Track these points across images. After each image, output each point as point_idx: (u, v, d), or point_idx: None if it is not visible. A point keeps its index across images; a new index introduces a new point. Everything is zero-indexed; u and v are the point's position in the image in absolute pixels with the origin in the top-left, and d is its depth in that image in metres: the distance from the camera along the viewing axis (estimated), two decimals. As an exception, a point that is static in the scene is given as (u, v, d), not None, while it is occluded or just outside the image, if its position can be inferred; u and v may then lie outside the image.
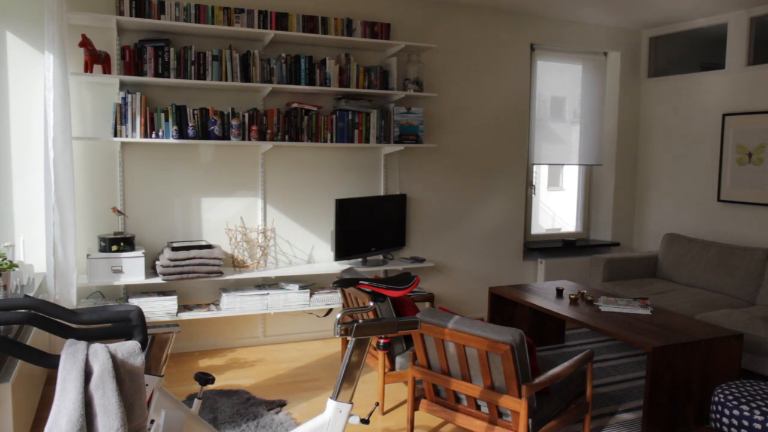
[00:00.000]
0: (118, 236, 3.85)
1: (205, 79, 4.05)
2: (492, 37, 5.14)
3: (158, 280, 3.90)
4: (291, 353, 4.36)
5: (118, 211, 3.98)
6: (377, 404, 2.63)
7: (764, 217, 4.86)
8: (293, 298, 4.26)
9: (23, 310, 1.65)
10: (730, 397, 2.74)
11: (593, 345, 4.62)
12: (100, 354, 1.53)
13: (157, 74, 3.95)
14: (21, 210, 3.84)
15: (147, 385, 1.92)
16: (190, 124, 4.00)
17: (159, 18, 3.92)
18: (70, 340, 1.59)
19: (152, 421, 1.97)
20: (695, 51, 5.73)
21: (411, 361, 2.98)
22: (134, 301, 3.85)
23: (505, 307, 4.39)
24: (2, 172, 3.79)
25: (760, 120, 4.83)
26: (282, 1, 4.37)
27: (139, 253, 3.86)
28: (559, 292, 4.14)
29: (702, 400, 3.21)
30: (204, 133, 4.10)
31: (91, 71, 3.75)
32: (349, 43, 4.48)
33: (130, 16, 3.86)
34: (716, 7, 4.92)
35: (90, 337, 1.64)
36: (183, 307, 4.11)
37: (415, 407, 3.00)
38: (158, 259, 4.00)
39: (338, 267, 4.46)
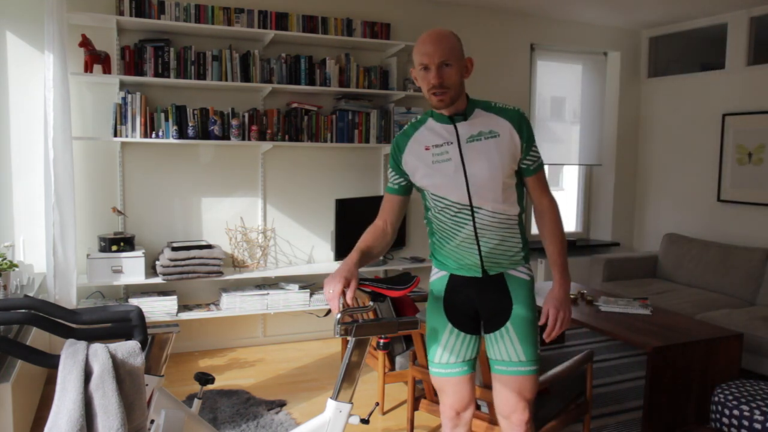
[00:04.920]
0: (118, 236, 3.85)
1: (205, 79, 4.05)
2: (492, 37, 5.13)
3: (158, 280, 3.90)
4: (291, 353, 4.36)
5: (118, 211, 3.98)
6: (377, 404, 2.63)
7: (764, 217, 4.86)
8: (293, 298, 4.26)
9: (23, 310, 1.65)
10: (730, 397, 2.73)
11: (593, 345, 4.62)
12: (100, 354, 1.53)
13: (157, 74, 3.94)
14: (21, 210, 3.84)
15: (147, 385, 1.91)
16: (190, 124, 4.00)
17: (159, 18, 3.92)
18: (70, 340, 1.59)
19: (152, 421, 1.97)
20: (695, 51, 5.73)
21: (411, 361, 2.98)
22: (134, 301, 3.85)
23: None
24: (2, 172, 3.79)
25: (760, 120, 4.83)
26: (282, 1, 4.37)
27: (139, 253, 3.86)
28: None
29: (702, 400, 3.21)
30: (204, 133, 4.10)
31: (91, 71, 3.75)
32: (349, 43, 4.47)
33: (130, 16, 3.86)
34: (716, 7, 4.92)
35: (90, 337, 1.63)
36: (183, 307, 4.11)
37: (415, 407, 3.00)
38: (158, 259, 4.00)
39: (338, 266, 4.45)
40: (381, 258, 4.80)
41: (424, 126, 2.03)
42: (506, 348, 2.03)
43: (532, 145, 2.01)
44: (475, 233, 1.97)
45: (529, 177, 2.05)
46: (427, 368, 2.88)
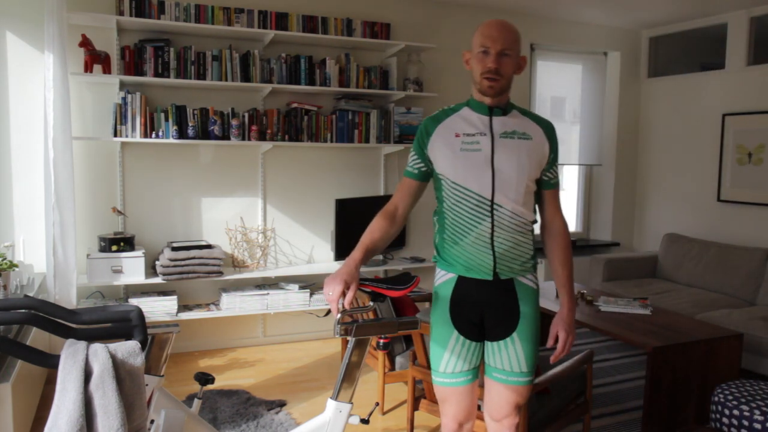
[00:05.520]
0: (118, 236, 3.85)
1: (205, 79, 4.05)
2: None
3: (158, 280, 3.90)
4: (291, 353, 4.36)
5: (118, 211, 3.98)
6: (377, 404, 2.63)
7: (764, 217, 4.86)
8: (293, 298, 4.26)
9: (23, 310, 1.65)
10: (730, 397, 2.73)
11: (593, 345, 4.62)
12: (100, 354, 1.53)
13: (157, 74, 3.94)
14: (21, 210, 3.84)
15: (147, 385, 1.91)
16: (190, 124, 4.00)
17: (159, 18, 3.92)
18: (70, 340, 1.59)
19: (152, 421, 1.97)
20: (695, 51, 5.73)
21: (411, 361, 2.98)
22: (134, 301, 3.85)
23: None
24: (2, 172, 3.79)
25: (760, 120, 4.83)
26: (282, 1, 4.37)
27: (139, 253, 3.86)
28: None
29: (702, 400, 3.21)
30: (204, 133, 4.10)
31: (91, 71, 3.75)
32: (349, 43, 4.47)
33: (130, 16, 3.86)
34: (716, 7, 4.92)
35: (90, 337, 1.63)
36: (183, 307, 4.11)
37: (415, 407, 3.00)
38: (158, 259, 4.00)
39: (338, 267, 4.45)
40: (381, 258, 4.79)
41: (457, 114, 2.00)
42: (509, 358, 1.99)
43: (557, 161, 2.04)
44: (492, 231, 1.92)
45: (547, 191, 2.04)
46: (427, 368, 2.88)
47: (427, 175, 2.04)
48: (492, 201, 1.92)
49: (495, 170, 1.92)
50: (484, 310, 1.98)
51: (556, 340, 2.04)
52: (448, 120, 1.99)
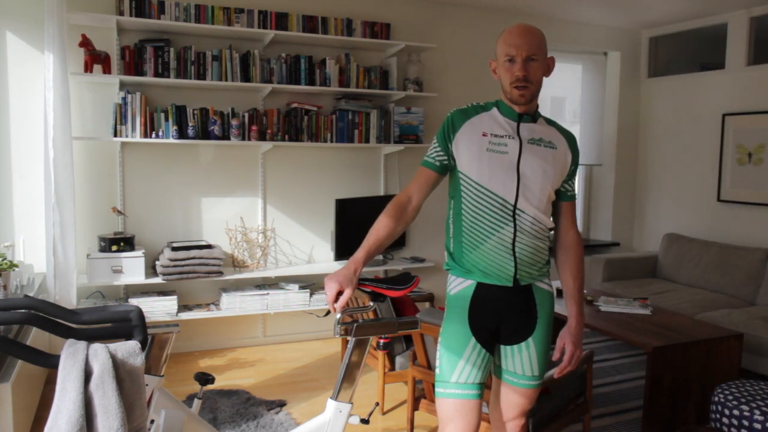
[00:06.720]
0: (118, 236, 3.85)
1: (205, 79, 4.05)
2: (492, 37, 5.13)
3: (158, 280, 3.90)
4: (291, 353, 4.36)
5: (118, 211, 3.98)
6: (377, 404, 2.63)
7: (764, 217, 4.86)
8: (293, 298, 4.26)
9: (23, 310, 1.65)
10: (730, 397, 2.73)
11: (593, 345, 4.62)
12: (100, 354, 1.53)
13: (157, 74, 3.94)
14: (21, 210, 3.84)
15: (147, 385, 1.91)
16: (190, 124, 4.00)
17: (159, 18, 3.92)
18: (70, 340, 1.59)
19: (152, 421, 1.97)
20: (695, 51, 5.73)
21: (411, 361, 2.98)
22: (134, 301, 3.85)
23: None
24: (2, 172, 3.79)
25: (760, 120, 4.83)
26: (282, 1, 4.37)
27: (139, 253, 3.85)
28: (559, 292, 4.13)
29: (702, 400, 3.21)
30: (204, 133, 4.10)
31: (91, 71, 3.75)
32: (349, 43, 4.47)
33: (130, 16, 3.86)
34: (716, 7, 4.92)
35: (90, 337, 1.63)
36: (183, 307, 4.11)
37: (415, 407, 3.00)
38: (158, 259, 4.00)
39: (338, 267, 4.44)
40: (381, 257, 4.79)
41: (487, 113, 1.95)
42: (522, 362, 1.96)
43: (576, 173, 2.04)
44: (514, 236, 1.88)
45: (564, 202, 2.03)
46: (427, 368, 2.88)
47: (447, 169, 1.99)
48: (515, 206, 1.88)
49: (520, 175, 1.88)
50: (502, 316, 1.93)
51: (562, 353, 2.01)
52: (476, 117, 1.95)
